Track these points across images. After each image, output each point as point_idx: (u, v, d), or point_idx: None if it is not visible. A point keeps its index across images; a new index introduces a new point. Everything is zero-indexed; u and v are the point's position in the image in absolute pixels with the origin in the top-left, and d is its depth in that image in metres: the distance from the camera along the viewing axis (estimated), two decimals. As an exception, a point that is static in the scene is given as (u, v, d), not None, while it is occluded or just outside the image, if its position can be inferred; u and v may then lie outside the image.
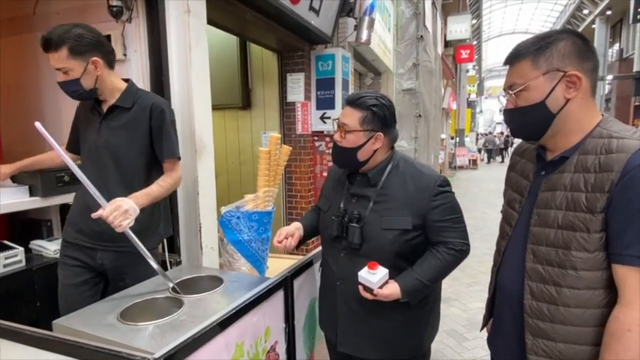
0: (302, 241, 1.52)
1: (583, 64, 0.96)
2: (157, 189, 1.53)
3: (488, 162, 20.65)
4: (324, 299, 1.51)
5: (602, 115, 1.00)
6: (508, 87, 1.03)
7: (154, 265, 1.40)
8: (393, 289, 1.23)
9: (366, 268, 1.23)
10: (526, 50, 0.99)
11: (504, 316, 1.12)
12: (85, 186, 1.30)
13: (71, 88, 1.48)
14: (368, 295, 1.24)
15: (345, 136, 1.32)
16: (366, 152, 1.32)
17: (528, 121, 1.02)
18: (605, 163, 0.91)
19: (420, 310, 1.37)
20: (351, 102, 1.32)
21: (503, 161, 20.68)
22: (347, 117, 1.32)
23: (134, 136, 1.56)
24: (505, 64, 1.05)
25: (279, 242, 1.43)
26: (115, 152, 1.54)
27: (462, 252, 1.31)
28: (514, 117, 1.05)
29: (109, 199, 1.37)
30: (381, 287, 1.22)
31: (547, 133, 1.01)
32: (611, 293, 0.92)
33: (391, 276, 1.25)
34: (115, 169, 1.55)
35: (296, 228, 1.48)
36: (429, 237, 1.31)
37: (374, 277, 1.21)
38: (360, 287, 1.25)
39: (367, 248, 1.31)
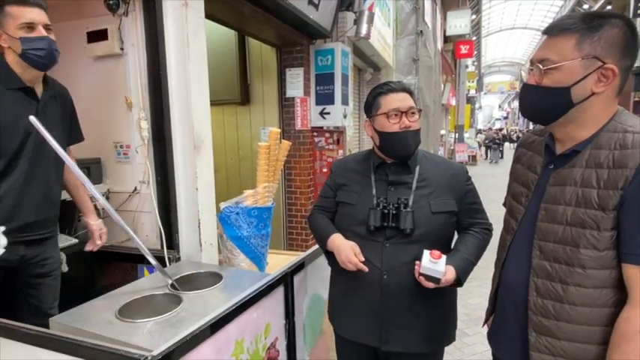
0: None
1: (623, 60, 0.89)
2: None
3: (487, 158, 20.61)
4: (353, 301, 1.37)
5: (617, 107, 0.96)
6: (539, 60, 0.94)
7: (153, 261, 1.39)
8: (452, 274, 1.21)
9: (428, 258, 1.17)
10: (575, 26, 0.89)
11: (507, 311, 1.10)
12: (81, 180, 1.28)
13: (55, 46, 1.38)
14: (430, 285, 1.20)
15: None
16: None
17: (544, 102, 0.96)
18: (620, 159, 0.88)
19: (455, 293, 1.40)
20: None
21: (502, 157, 20.65)
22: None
23: (64, 126, 1.55)
24: (545, 33, 0.95)
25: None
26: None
27: (491, 232, 1.40)
28: (531, 94, 0.98)
29: (50, 197, 1.44)
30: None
31: (558, 120, 0.96)
32: (620, 293, 0.90)
33: None
34: (54, 163, 1.49)
35: (350, 246, 1.31)
36: (463, 220, 1.37)
37: (440, 266, 1.16)
38: (422, 278, 1.19)
39: (418, 234, 1.28)
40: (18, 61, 1.36)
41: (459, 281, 1.25)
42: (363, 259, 1.28)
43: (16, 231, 1.39)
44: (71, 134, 1.63)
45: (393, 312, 1.30)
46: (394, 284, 1.28)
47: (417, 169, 1.34)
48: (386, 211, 1.29)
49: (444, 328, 1.37)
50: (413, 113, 1.31)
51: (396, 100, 1.31)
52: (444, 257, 1.18)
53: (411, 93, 1.35)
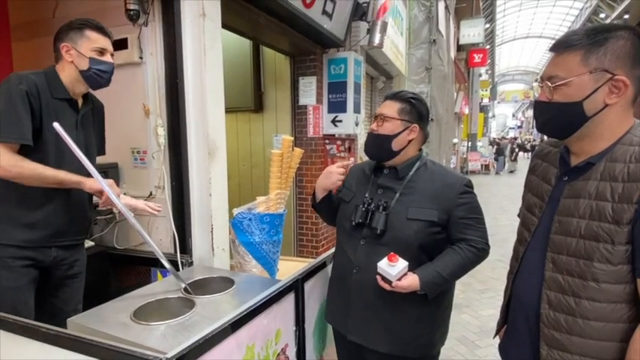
0: (325, 199, 1.58)
1: (634, 70, 0.88)
2: None
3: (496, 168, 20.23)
4: (335, 289, 1.50)
5: (634, 120, 0.95)
6: (547, 78, 0.95)
7: (167, 265, 1.41)
8: (411, 281, 1.24)
9: (385, 260, 1.22)
10: (579, 42, 0.90)
11: (519, 324, 1.10)
12: (101, 184, 1.32)
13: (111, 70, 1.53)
14: (386, 286, 1.24)
15: (382, 124, 1.39)
16: (401, 142, 1.38)
17: (559, 118, 0.96)
18: (635, 173, 0.87)
19: (435, 308, 1.37)
20: (391, 96, 1.43)
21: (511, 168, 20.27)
22: (386, 107, 1.41)
23: (96, 139, 1.65)
24: (551, 50, 0.97)
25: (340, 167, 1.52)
26: (87, 154, 1.44)
27: (482, 251, 1.33)
28: (544, 111, 0.99)
29: (84, 207, 1.56)
30: (399, 279, 1.22)
31: (575, 134, 0.96)
32: (634, 308, 0.89)
33: (411, 269, 1.25)
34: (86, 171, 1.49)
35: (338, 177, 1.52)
36: (452, 234, 1.33)
37: (393, 270, 1.21)
38: (378, 277, 1.25)
39: (390, 237, 1.31)
40: (73, 76, 1.48)
41: (427, 292, 1.26)
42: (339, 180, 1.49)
43: (51, 236, 1.48)
44: (97, 147, 1.70)
45: (357, 305, 1.38)
46: (362, 280, 1.35)
47: (409, 176, 1.38)
48: (363, 209, 1.36)
49: (414, 337, 1.34)
50: (382, 119, 1.39)
51: (382, 106, 1.44)
52: (401, 262, 1.21)
53: (401, 100, 1.39)
